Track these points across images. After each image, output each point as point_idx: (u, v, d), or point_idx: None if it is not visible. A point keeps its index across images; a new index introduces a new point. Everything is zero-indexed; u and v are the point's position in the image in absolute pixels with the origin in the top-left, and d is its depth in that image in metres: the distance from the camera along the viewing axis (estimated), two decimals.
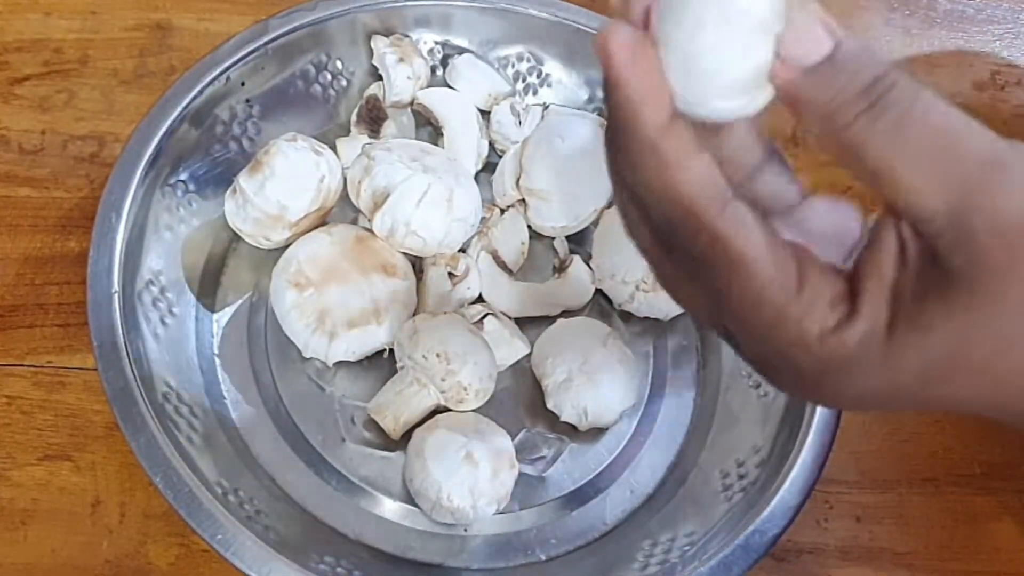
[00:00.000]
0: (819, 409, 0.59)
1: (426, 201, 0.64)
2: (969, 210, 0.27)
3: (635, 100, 0.29)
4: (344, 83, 0.74)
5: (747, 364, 0.33)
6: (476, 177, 0.72)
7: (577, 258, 0.70)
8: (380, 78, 0.73)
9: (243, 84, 0.68)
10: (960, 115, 0.28)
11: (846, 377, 0.30)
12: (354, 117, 0.74)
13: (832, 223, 0.32)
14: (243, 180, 0.64)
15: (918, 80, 0.28)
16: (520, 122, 0.74)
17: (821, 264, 0.31)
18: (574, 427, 0.65)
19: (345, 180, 0.68)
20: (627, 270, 0.68)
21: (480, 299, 0.69)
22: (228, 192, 0.66)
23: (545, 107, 0.76)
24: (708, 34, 0.28)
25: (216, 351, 0.66)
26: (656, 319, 0.70)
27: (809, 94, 0.28)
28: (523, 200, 0.71)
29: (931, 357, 0.29)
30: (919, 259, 0.29)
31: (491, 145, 0.75)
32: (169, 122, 0.64)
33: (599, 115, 0.76)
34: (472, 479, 0.59)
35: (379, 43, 0.72)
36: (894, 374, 0.30)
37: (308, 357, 0.64)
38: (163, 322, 0.62)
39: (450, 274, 0.67)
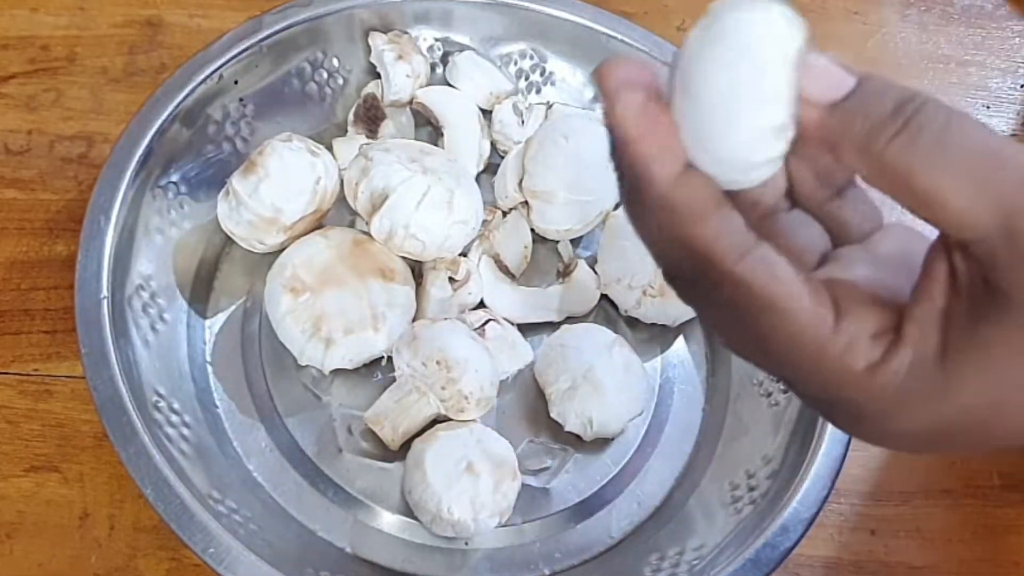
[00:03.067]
0: None
1: (426, 203, 0.64)
2: (1020, 226, 0.27)
3: (645, 157, 0.30)
4: (341, 81, 0.74)
5: (808, 406, 0.34)
6: (477, 178, 0.72)
7: (582, 262, 0.71)
8: (378, 76, 0.73)
9: (236, 82, 0.69)
10: (994, 133, 0.28)
11: (905, 410, 0.30)
12: (351, 117, 0.74)
13: (902, 250, 0.33)
14: (236, 182, 0.64)
15: (945, 103, 0.28)
16: (523, 121, 0.74)
17: (862, 296, 0.31)
18: (579, 437, 0.65)
19: (342, 182, 0.68)
20: (634, 275, 0.68)
21: (481, 305, 0.69)
22: (221, 194, 0.66)
23: (549, 106, 0.76)
24: (720, 105, 0.29)
25: (208, 358, 0.66)
26: (663, 325, 0.70)
27: (840, 128, 0.29)
28: (526, 202, 0.71)
29: (989, 380, 0.29)
30: (971, 284, 0.29)
31: (493, 145, 0.75)
32: (160, 122, 0.64)
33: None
34: (473, 491, 0.59)
35: (377, 40, 0.72)
36: (954, 401, 0.30)
37: (304, 365, 0.64)
38: (154, 328, 0.62)
39: (450, 279, 0.67)
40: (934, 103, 0.28)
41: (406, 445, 0.63)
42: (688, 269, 0.31)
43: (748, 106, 0.29)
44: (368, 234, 0.66)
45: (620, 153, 0.30)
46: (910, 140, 0.28)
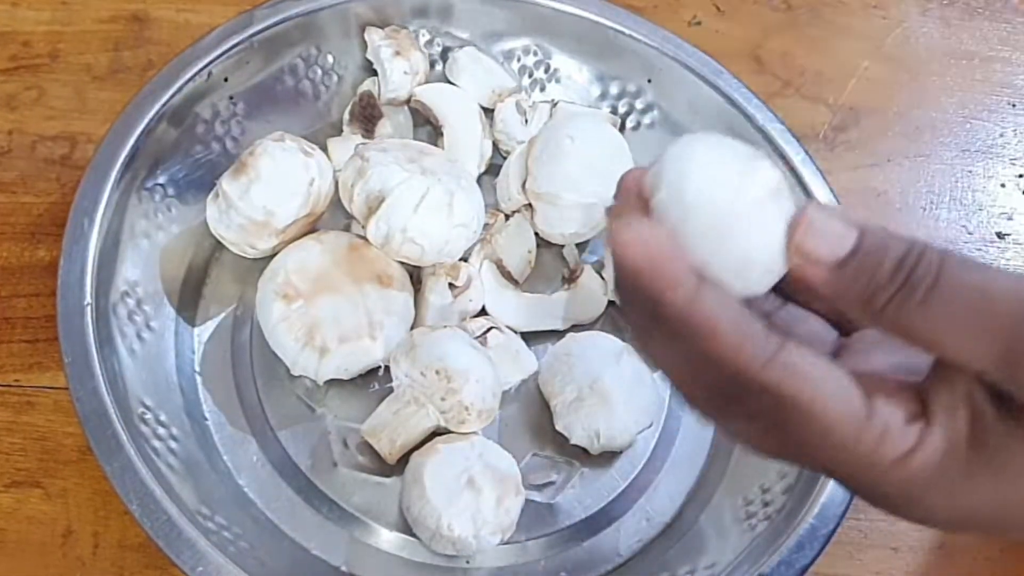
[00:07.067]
0: None
1: (424, 206, 0.64)
2: (1017, 359, 0.30)
3: (657, 286, 0.31)
4: (336, 79, 0.75)
5: (853, 493, 0.35)
6: (479, 180, 0.72)
7: (588, 267, 0.71)
8: (375, 73, 0.74)
9: (226, 80, 0.69)
10: (986, 268, 0.31)
11: (934, 496, 0.32)
12: (347, 115, 0.74)
13: (893, 355, 0.35)
14: (226, 183, 0.64)
15: (940, 248, 0.31)
16: (526, 121, 0.75)
17: (890, 384, 0.33)
18: (585, 450, 0.65)
19: (337, 183, 0.68)
20: None
21: (483, 312, 0.69)
22: (210, 196, 0.66)
23: (553, 104, 0.76)
24: (722, 223, 0.32)
25: (197, 368, 0.66)
26: None
27: (843, 288, 0.31)
28: (529, 205, 0.71)
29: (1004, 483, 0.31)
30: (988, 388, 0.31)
31: (495, 145, 0.75)
32: (146, 121, 0.64)
33: (611, 112, 0.76)
34: (475, 507, 0.59)
35: (374, 35, 0.73)
36: (990, 487, 0.31)
37: (297, 375, 0.64)
38: (140, 337, 0.63)
39: (450, 285, 0.67)
40: (929, 252, 0.31)
41: (404, 459, 0.63)
42: (715, 385, 0.32)
43: (744, 243, 0.32)
44: (364, 238, 0.66)
45: (629, 285, 0.32)
46: (906, 298, 0.30)
